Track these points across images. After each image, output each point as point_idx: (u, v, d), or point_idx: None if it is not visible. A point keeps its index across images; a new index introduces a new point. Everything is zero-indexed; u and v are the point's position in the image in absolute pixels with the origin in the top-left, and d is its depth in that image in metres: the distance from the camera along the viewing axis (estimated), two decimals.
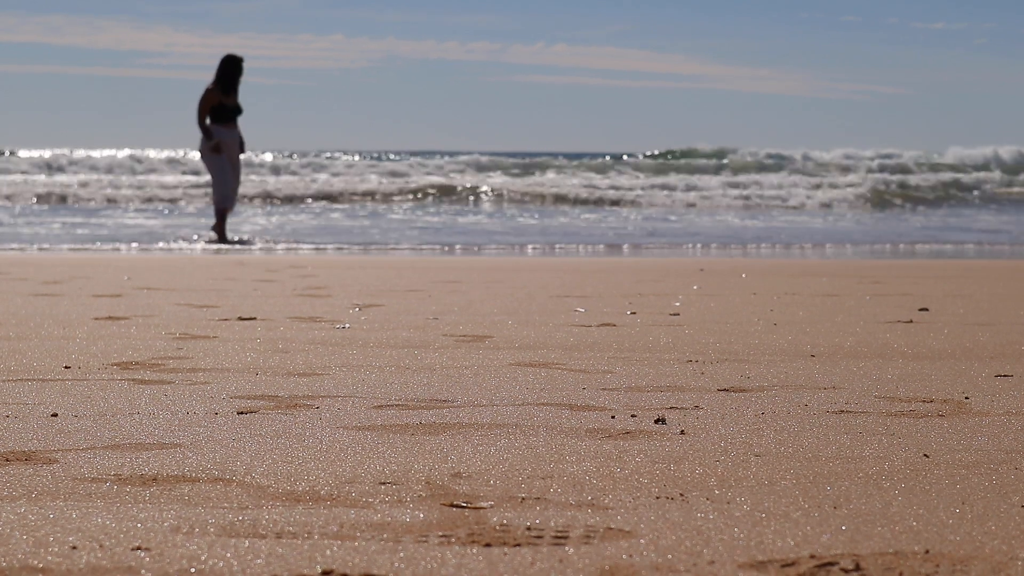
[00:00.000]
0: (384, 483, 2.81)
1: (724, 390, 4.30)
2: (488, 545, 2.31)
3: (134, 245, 15.61)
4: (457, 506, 2.59)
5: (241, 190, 16.47)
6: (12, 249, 14.71)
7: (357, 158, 44.97)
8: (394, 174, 32.82)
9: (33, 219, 21.47)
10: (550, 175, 33.26)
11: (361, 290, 8.59)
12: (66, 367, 4.75)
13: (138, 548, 2.27)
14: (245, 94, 16.10)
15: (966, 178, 32.43)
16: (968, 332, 6.11)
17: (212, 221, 16.80)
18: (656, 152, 41.10)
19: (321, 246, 15.70)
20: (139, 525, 2.42)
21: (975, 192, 31.22)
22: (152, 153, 40.28)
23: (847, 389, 4.33)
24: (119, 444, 3.26)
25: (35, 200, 26.75)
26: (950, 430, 3.55)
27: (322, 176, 32.04)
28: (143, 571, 2.15)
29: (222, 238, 15.93)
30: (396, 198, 28.74)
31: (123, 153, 38.42)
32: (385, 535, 2.37)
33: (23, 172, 32.35)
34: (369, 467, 2.99)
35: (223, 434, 3.42)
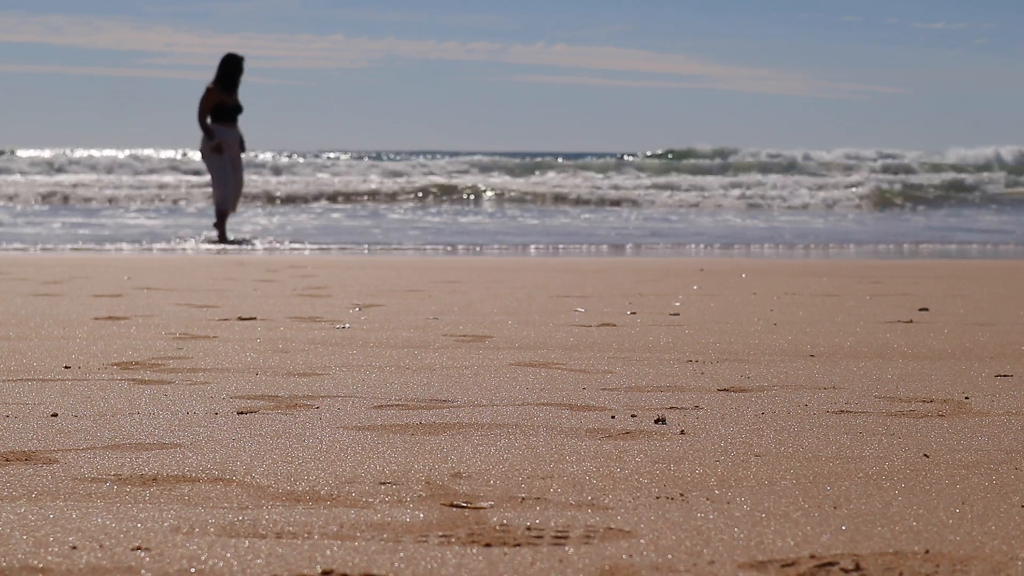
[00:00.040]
0: (384, 483, 2.81)
1: (724, 390, 4.30)
2: (488, 545, 2.31)
3: (134, 245, 15.61)
4: (457, 506, 2.59)
5: (242, 190, 16.43)
6: (15, 249, 14.71)
7: (357, 158, 44.97)
8: (394, 174, 32.82)
9: (33, 219, 21.47)
10: (551, 175, 33.25)
11: (361, 290, 8.59)
12: (66, 367, 4.75)
13: (138, 548, 2.27)
14: (245, 94, 16.11)
15: (968, 178, 32.41)
16: (968, 332, 6.11)
17: (212, 221, 16.80)
18: (657, 152, 41.08)
19: (323, 246, 15.70)
20: (139, 525, 2.42)
21: (978, 192, 31.21)
22: (152, 153, 40.29)
23: (847, 389, 4.33)
24: (119, 444, 3.26)
25: (35, 200, 26.75)
26: (950, 430, 3.55)
27: (322, 176, 32.04)
28: (143, 571, 2.15)
29: (222, 238, 15.93)
30: (397, 198, 28.74)
31: (123, 153, 38.43)
32: (385, 535, 2.37)
33: (23, 172, 32.35)
34: (369, 467, 2.99)
35: (223, 434, 3.42)
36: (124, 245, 15.62)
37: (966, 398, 4.14)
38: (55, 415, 3.71)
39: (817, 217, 24.37)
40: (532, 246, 16.12)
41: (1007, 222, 23.14)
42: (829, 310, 7.29)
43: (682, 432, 3.48)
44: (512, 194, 29.16)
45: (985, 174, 33.64)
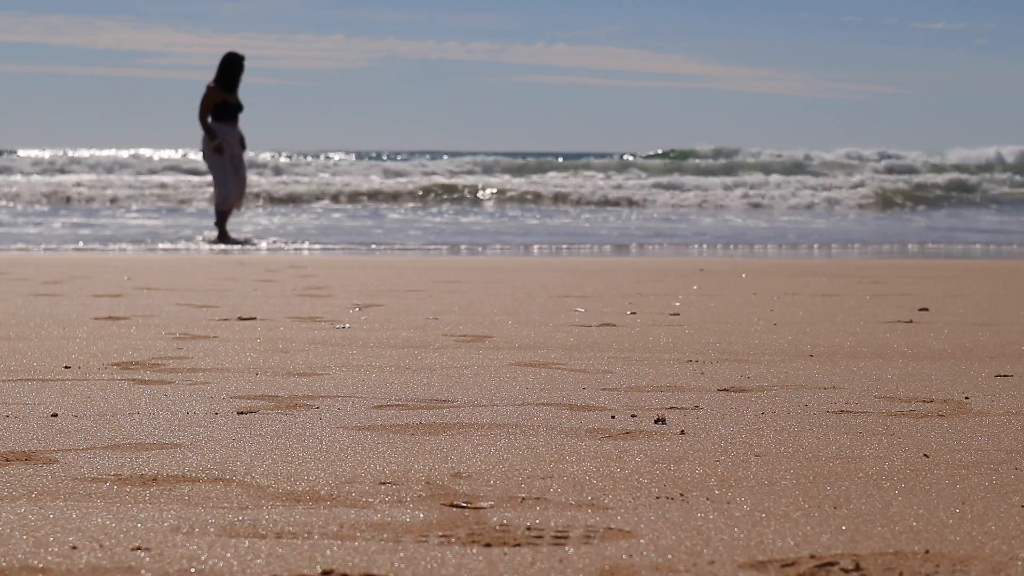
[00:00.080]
0: (384, 483, 2.81)
1: (724, 390, 4.30)
2: (488, 545, 2.31)
3: (135, 245, 15.61)
4: (457, 506, 2.59)
5: (245, 188, 16.42)
6: (17, 249, 14.71)
7: (357, 158, 44.97)
8: (394, 174, 32.83)
9: (33, 219, 21.47)
10: (551, 175, 33.26)
11: (361, 290, 8.59)
12: (66, 367, 4.75)
13: (138, 548, 2.27)
14: (245, 94, 16.12)
15: (971, 179, 32.41)
16: (968, 332, 6.11)
17: (213, 221, 16.80)
18: (656, 152, 41.08)
19: (324, 247, 15.70)
20: (139, 525, 2.42)
21: (979, 193, 31.21)
22: (152, 153, 40.29)
23: (847, 389, 4.33)
24: (119, 444, 3.26)
25: (35, 200, 26.74)
26: (950, 430, 3.55)
27: (323, 176, 32.04)
28: (143, 571, 2.15)
29: (222, 238, 15.93)
30: (397, 198, 28.75)
31: (124, 153, 38.44)
32: (385, 535, 2.37)
33: (23, 172, 32.36)
34: (369, 467, 2.99)
35: (223, 434, 3.42)
36: (124, 245, 15.62)
37: (966, 398, 4.14)
38: (55, 415, 3.71)
39: (818, 217, 24.37)
40: (532, 246, 16.12)
41: (1008, 222, 23.14)
42: (829, 310, 7.29)
43: (682, 432, 3.48)
44: (513, 194, 29.17)
45: (987, 174, 33.64)
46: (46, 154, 38.48)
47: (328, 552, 2.26)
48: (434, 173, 33.22)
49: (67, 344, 5.46)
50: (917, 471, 2.97)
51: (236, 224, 18.37)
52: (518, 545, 2.30)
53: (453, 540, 2.34)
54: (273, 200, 27.46)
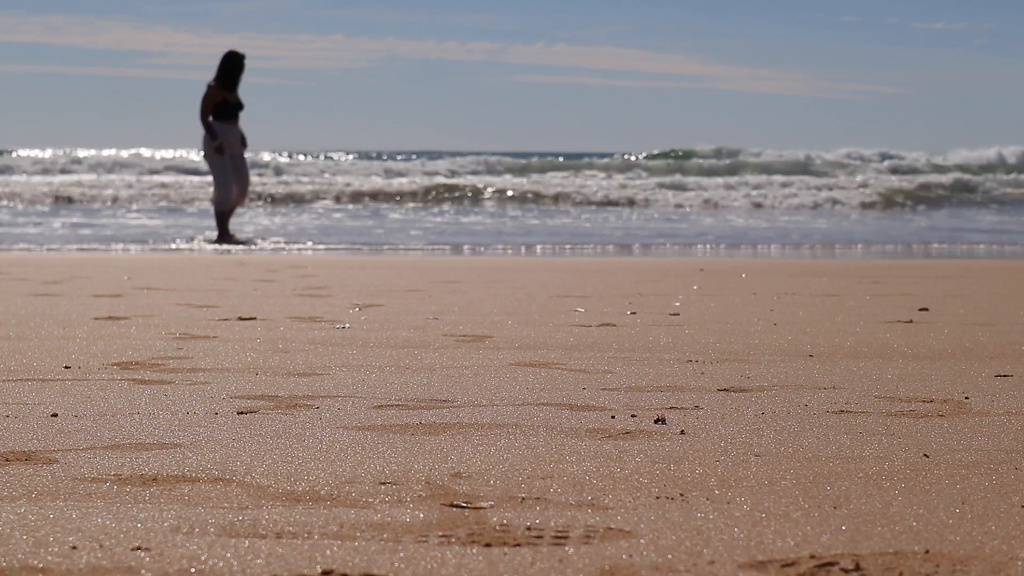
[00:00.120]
0: (384, 483, 2.81)
1: (724, 390, 4.30)
2: (488, 545, 2.31)
3: (136, 245, 15.61)
4: (457, 506, 2.59)
5: (248, 186, 16.41)
6: (20, 249, 14.71)
7: (358, 158, 44.97)
8: (395, 174, 32.83)
9: (34, 219, 21.47)
10: (552, 175, 33.26)
11: (361, 290, 8.59)
12: (66, 367, 4.75)
13: (138, 548, 2.27)
14: (245, 94, 16.10)
15: (972, 179, 32.41)
16: (968, 332, 6.11)
17: (214, 221, 16.79)
18: (655, 152, 41.08)
19: (328, 247, 15.70)
20: (139, 525, 2.42)
21: (981, 193, 31.21)
22: (153, 153, 40.30)
23: (847, 389, 4.33)
24: (119, 444, 3.26)
25: (36, 200, 26.74)
26: (950, 430, 3.55)
27: (323, 176, 32.04)
28: (143, 571, 2.15)
29: (222, 238, 15.93)
30: (398, 198, 28.75)
31: (124, 153, 38.44)
32: (385, 535, 2.37)
33: (24, 172, 32.36)
34: (369, 467, 2.99)
35: (223, 434, 3.42)
36: (124, 245, 15.61)
37: (966, 398, 4.14)
38: (55, 415, 3.71)
39: (819, 217, 24.38)
40: (532, 246, 16.12)
41: (1008, 222, 23.14)
42: (829, 310, 7.29)
43: (682, 432, 3.48)
44: (513, 194, 29.17)
45: (989, 175, 33.64)
46: (46, 154, 38.49)
47: (328, 552, 2.26)
48: (436, 173, 33.22)
49: (67, 344, 5.46)
50: (917, 471, 2.97)
51: (237, 224, 18.37)
52: (518, 545, 2.31)
53: (453, 540, 2.34)
54: (274, 200, 27.47)
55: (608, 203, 27.77)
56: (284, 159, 38.99)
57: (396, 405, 3.94)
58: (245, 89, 15.90)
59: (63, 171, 32.68)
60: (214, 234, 16.23)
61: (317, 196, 28.16)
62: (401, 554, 2.25)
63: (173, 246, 15.52)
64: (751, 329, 6.24)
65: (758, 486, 2.81)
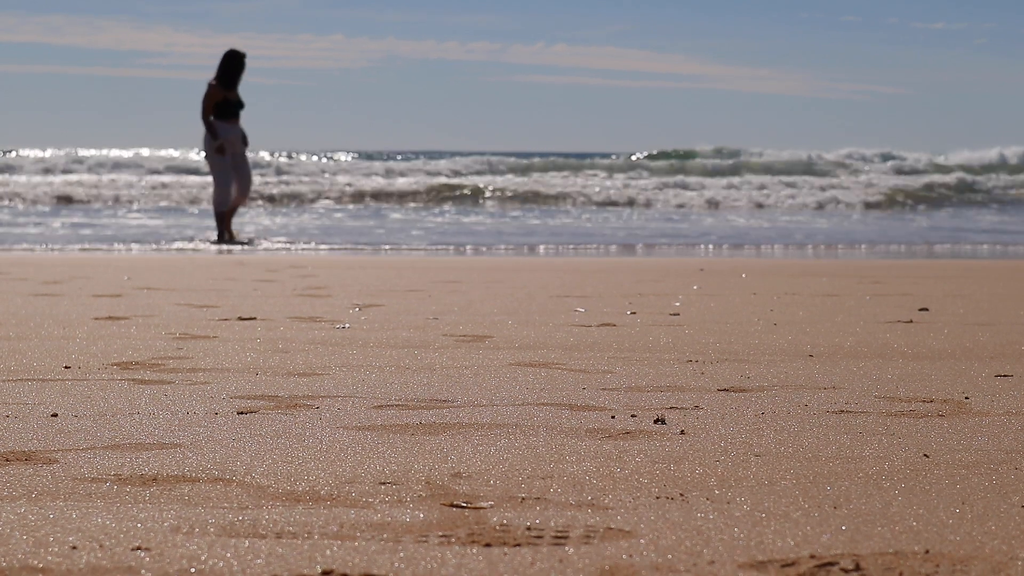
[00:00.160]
0: (384, 483, 2.81)
1: (724, 390, 4.30)
2: (488, 545, 2.31)
3: (137, 245, 15.61)
4: (457, 506, 2.59)
5: (251, 185, 16.40)
6: (22, 249, 14.71)
7: (358, 158, 44.97)
8: (395, 174, 32.83)
9: (34, 219, 21.47)
10: (553, 175, 33.26)
11: (361, 290, 8.59)
12: (66, 367, 4.75)
13: (138, 548, 2.27)
14: (246, 94, 16.11)
15: (974, 179, 32.40)
16: (968, 332, 6.11)
17: (215, 220, 16.79)
18: (654, 152, 41.08)
19: (329, 247, 15.70)
20: (139, 525, 2.42)
21: (983, 193, 31.21)
22: (153, 153, 40.30)
23: (847, 389, 4.33)
24: (119, 444, 3.26)
25: (36, 200, 26.74)
26: (950, 430, 3.55)
27: (324, 176, 32.04)
28: (143, 571, 2.15)
29: (221, 238, 15.93)
30: (398, 198, 28.75)
31: (124, 153, 38.45)
32: (385, 535, 2.37)
33: (24, 172, 32.36)
34: (369, 467, 2.99)
35: (223, 434, 3.42)
36: (126, 245, 15.61)
37: (966, 398, 4.14)
38: (55, 415, 3.71)
39: (820, 217, 24.37)
40: (533, 246, 16.11)
41: (1008, 222, 23.14)
42: (829, 310, 7.29)
43: (682, 432, 3.48)
44: (513, 194, 29.16)
45: (991, 175, 33.63)
46: (47, 154, 38.49)
47: (328, 552, 2.26)
48: (438, 174, 33.22)
49: (67, 344, 5.46)
50: (917, 471, 2.97)
51: (238, 224, 18.35)
52: (518, 545, 2.31)
53: (453, 540, 2.34)
54: (274, 200, 27.47)
55: (610, 203, 27.78)
56: (284, 159, 38.98)
57: (396, 405, 3.94)
58: (245, 89, 15.91)
59: (64, 171, 32.68)
60: (214, 234, 16.24)
61: (318, 196, 28.16)
62: (401, 554, 2.25)
63: (173, 246, 15.52)
64: (751, 329, 6.24)
65: (758, 486, 2.81)
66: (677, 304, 7.64)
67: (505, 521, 2.47)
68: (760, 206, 27.26)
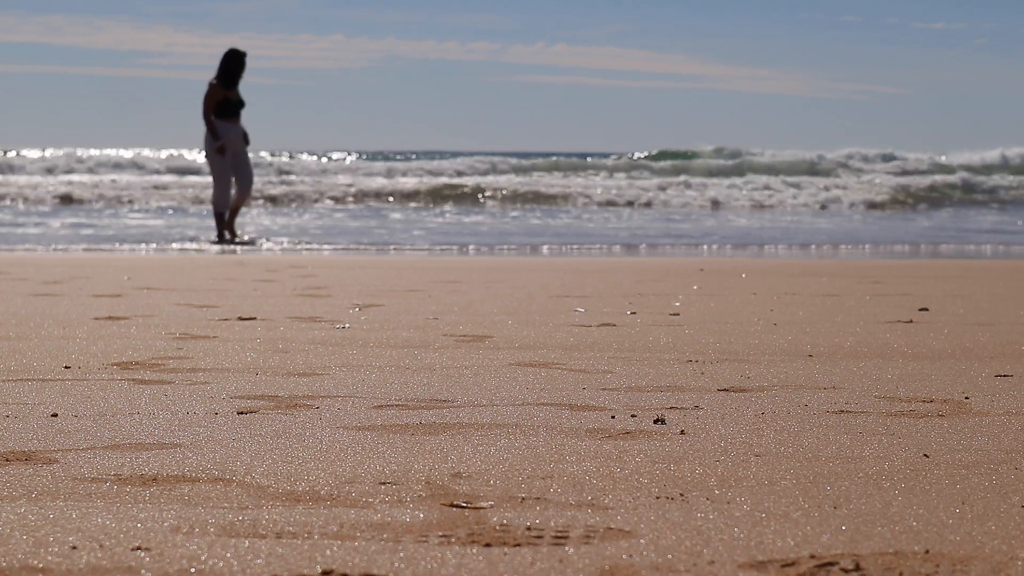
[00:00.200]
0: (384, 483, 2.81)
1: (724, 390, 4.30)
2: (488, 545, 2.31)
3: (135, 245, 15.61)
4: (457, 506, 2.59)
5: (252, 185, 16.39)
6: (25, 249, 14.71)
7: (358, 158, 44.98)
8: (395, 174, 32.83)
9: (35, 219, 21.47)
10: (553, 175, 33.26)
11: (361, 290, 8.59)
12: (66, 367, 4.75)
13: (138, 548, 2.27)
14: (246, 94, 16.09)
15: (977, 180, 32.39)
16: (968, 332, 6.11)
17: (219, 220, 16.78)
18: (655, 152, 41.07)
19: (332, 247, 15.69)
20: (139, 525, 2.42)
21: (985, 193, 31.20)
22: (153, 153, 40.31)
23: (847, 389, 4.33)
24: (119, 444, 3.26)
25: (36, 200, 26.74)
26: (950, 430, 3.55)
27: (324, 176, 32.04)
28: (143, 571, 2.15)
29: (221, 238, 15.93)
30: (399, 199, 28.74)
31: (125, 153, 38.45)
32: (385, 535, 2.37)
33: (24, 172, 32.37)
34: (369, 467, 2.99)
35: (223, 434, 3.42)
36: (128, 245, 15.61)
37: (966, 398, 4.14)
38: (55, 415, 3.71)
39: (821, 218, 24.37)
40: (535, 246, 16.11)
41: (1008, 222, 23.13)
42: (829, 310, 7.29)
43: (682, 432, 3.48)
44: (514, 194, 29.16)
45: (992, 176, 33.61)
46: (47, 154, 38.49)
47: (328, 552, 2.26)
48: (440, 174, 33.22)
49: (67, 344, 5.46)
50: (917, 471, 2.97)
51: (239, 224, 18.36)
52: (518, 545, 2.31)
53: (453, 540, 2.34)
54: (275, 200, 27.47)
55: (611, 203, 27.78)
56: (285, 159, 38.98)
57: (396, 405, 3.94)
58: (245, 89, 15.91)
59: (63, 171, 32.68)
60: (214, 234, 16.24)
61: (318, 196, 28.16)
62: (401, 554, 2.25)
63: (174, 246, 15.51)
64: (751, 329, 6.24)
65: (758, 486, 2.81)
66: (677, 304, 7.64)
67: (505, 521, 2.47)
68: (763, 206, 27.26)
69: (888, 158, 36.98)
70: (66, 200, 26.80)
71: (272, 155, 39.98)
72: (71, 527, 2.40)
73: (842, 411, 3.87)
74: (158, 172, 32.60)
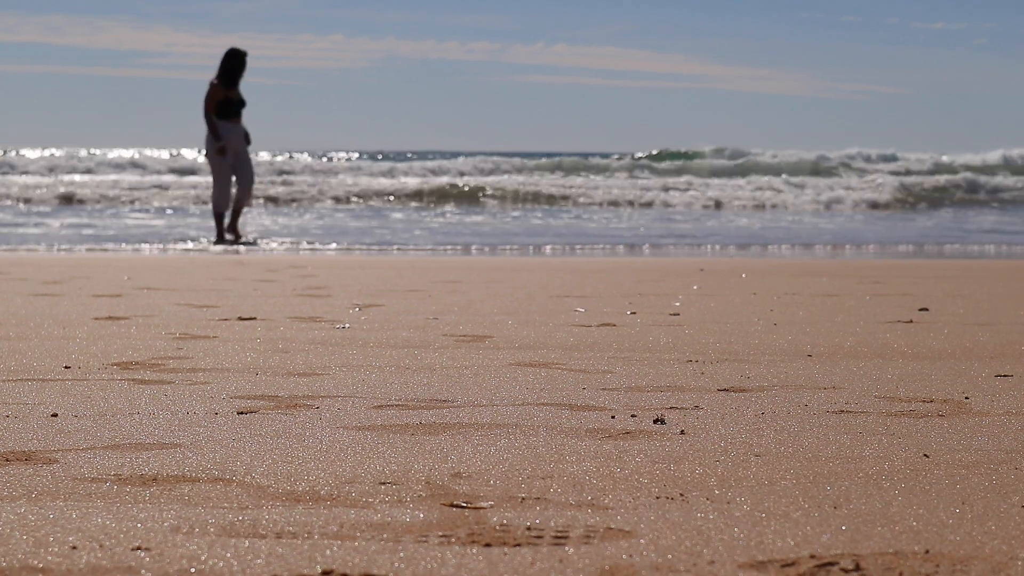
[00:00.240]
0: (384, 483, 2.81)
1: (724, 390, 4.30)
2: (488, 545, 2.31)
3: (136, 245, 15.61)
4: (457, 506, 2.59)
5: (253, 184, 16.38)
6: (24, 250, 14.71)
7: (358, 158, 44.99)
8: (395, 174, 32.83)
9: (35, 219, 21.46)
10: (554, 175, 33.26)
11: (361, 290, 8.59)
12: (66, 367, 4.75)
13: (138, 548, 2.27)
14: (246, 93, 16.08)
15: (974, 179, 32.38)
16: (968, 332, 6.11)
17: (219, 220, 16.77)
18: (653, 152, 41.07)
19: (336, 247, 15.69)
20: (139, 525, 2.42)
21: (986, 194, 31.19)
22: (153, 153, 40.32)
23: (847, 389, 4.33)
24: (119, 444, 3.26)
25: (37, 200, 26.74)
26: (950, 430, 3.55)
27: (324, 177, 32.03)
28: (143, 571, 2.15)
29: (220, 238, 15.93)
30: (399, 199, 28.74)
31: (125, 153, 38.44)
32: (385, 535, 2.37)
33: (24, 172, 32.36)
34: (369, 467, 2.99)
35: (223, 434, 3.42)
36: (125, 245, 15.61)
37: (966, 398, 4.14)
38: (55, 415, 3.71)
39: (822, 218, 24.37)
40: (537, 246, 16.11)
41: (1008, 222, 23.13)
42: (829, 310, 7.29)
43: (682, 432, 3.48)
44: (515, 194, 29.15)
45: (993, 176, 33.61)
46: (47, 154, 38.49)
47: (328, 552, 2.26)
48: (442, 173, 33.22)
49: (67, 344, 5.46)
50: (917, 471, 2.97)
51: (239, 224, 18.36)
52: (518, 545, 2.31)
53: (453, 540, 2.34)
54: (275, 201, 27.46)
55: (612, 203, 27.77)
56: (284, 158, 38.98)
57: (396, 405, 3.94)
58: (245, 88, 15.90)
59: (65, 171, 32.68)
60: (214, 234, 16.24)
61: (319, 197, 28.16)
62: (401, 554, 2.25)
63: (176, 246, 15.51)
64: (751, 329, 6.24)
65: (758, 486, 2.81)
66: (677, 304, 7.64)
67: (505, 521, 2.47)
68: (766, 207, 27.26)
69: (890, 158, 36.98)
70: (66, 200, 26.80)
71: (272, 155, 39.96)
72: (71, 527, 2.40)
73: (842, 411, 3.87)
74: (158, 172, 32.59)
